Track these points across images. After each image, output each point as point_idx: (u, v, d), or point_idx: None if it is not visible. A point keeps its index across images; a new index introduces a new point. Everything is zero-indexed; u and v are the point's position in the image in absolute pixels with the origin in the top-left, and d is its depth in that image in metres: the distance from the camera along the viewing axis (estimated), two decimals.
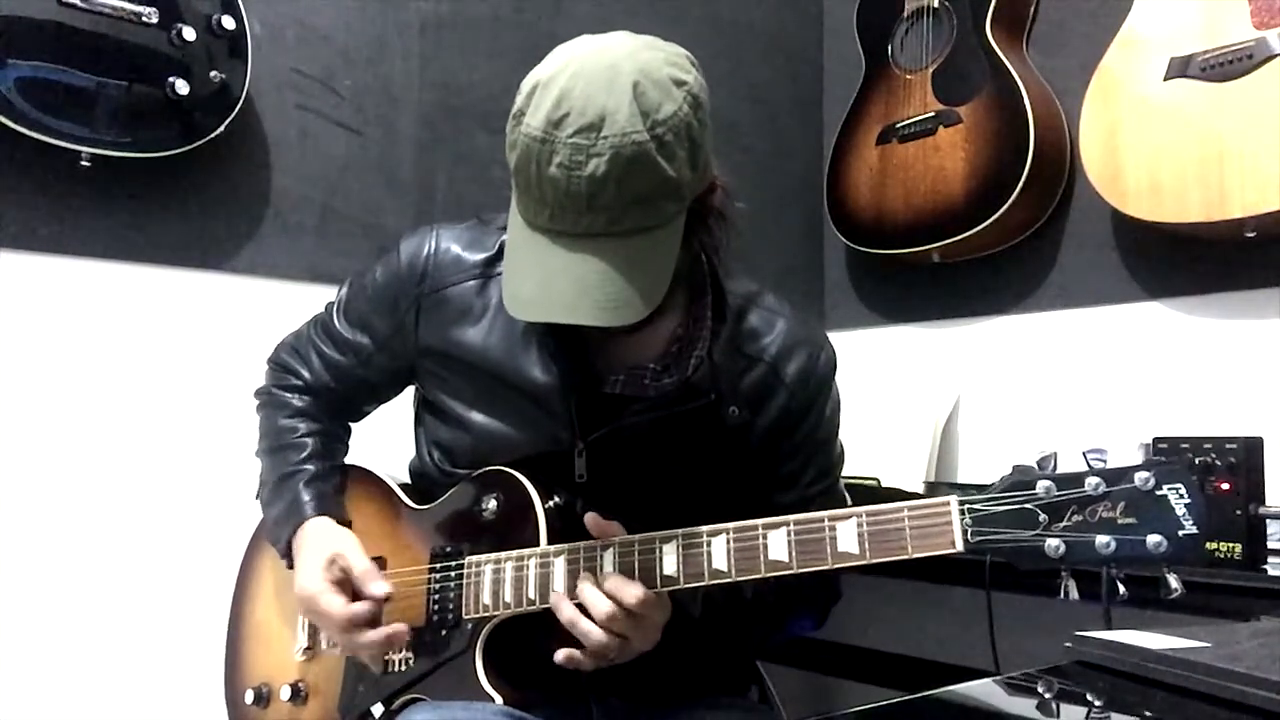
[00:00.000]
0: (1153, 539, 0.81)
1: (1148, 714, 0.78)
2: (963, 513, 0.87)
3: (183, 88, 1.53)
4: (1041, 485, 0.85)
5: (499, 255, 1.12)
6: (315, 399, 1.25)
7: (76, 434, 1.58)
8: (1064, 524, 0.84)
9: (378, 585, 1.08)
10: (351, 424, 1.31)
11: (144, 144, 1.54)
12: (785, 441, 1.14)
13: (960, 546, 0.87)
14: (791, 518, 0.95)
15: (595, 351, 1.10)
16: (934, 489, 2.00)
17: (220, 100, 1.59)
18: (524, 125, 0.91)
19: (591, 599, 0.97)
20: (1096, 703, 0.82)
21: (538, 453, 1.10)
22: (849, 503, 1.23)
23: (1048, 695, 0.84)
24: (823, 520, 0.93)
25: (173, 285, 1.67)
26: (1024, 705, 0.87)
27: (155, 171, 1.61)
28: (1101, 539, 0.83)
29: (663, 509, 1.09)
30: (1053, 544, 0.84)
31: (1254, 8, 1.61)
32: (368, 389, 1.25)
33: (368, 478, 1.24)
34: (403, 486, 1.23)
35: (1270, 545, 1.34)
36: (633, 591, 0.96)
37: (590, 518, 1.00)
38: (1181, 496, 0.82)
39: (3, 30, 1.40)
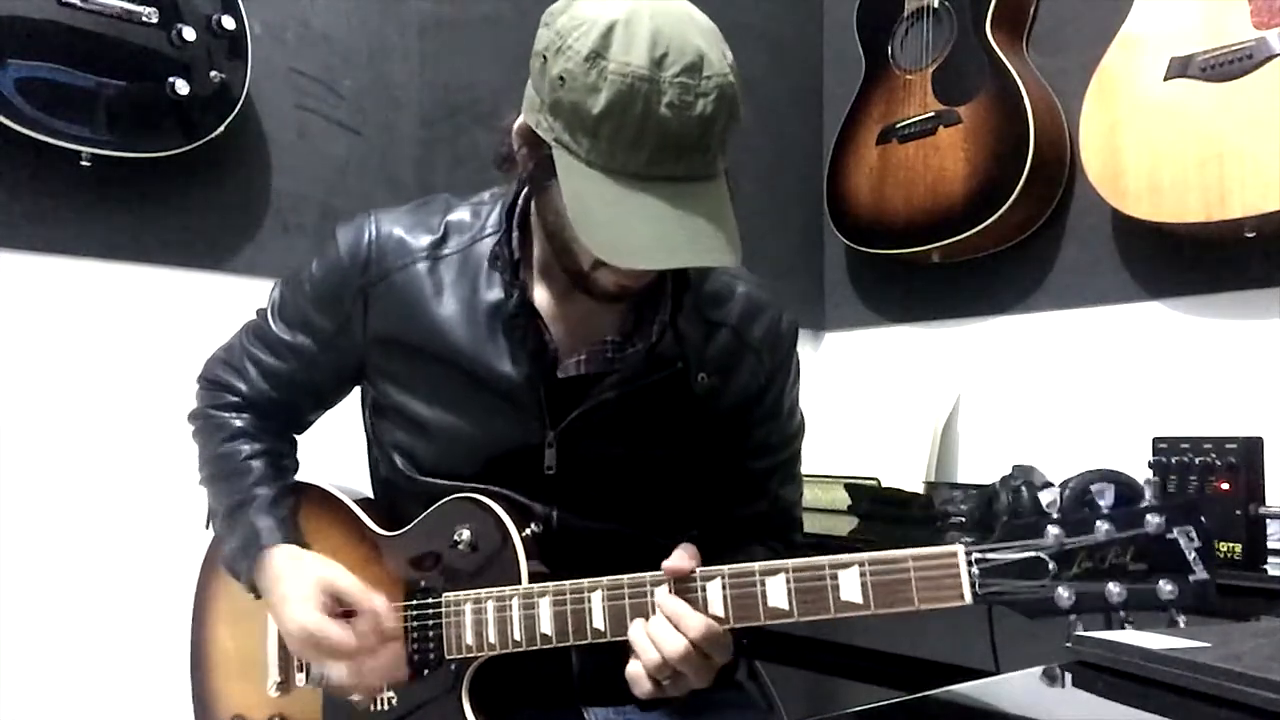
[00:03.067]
0: (1165, 586, 0.80)
1: (1148, 714, 0.78)
2: (970, 563, 0.85)
3: (183, 88, 1.53)
4: (1051, 533, 0.83)
5: (446, 237, 1.09)
6: (255, 414, 1.18)
7: (76, 434, 1.58)
8: (1074, 571, 0.82)
9: (379, 599, 1.03)
10: (296, 436, 1.24)
11: (144, 144, 1.53)
12: (756, 408, 1.14)
13: (969, 599, 0.85)
14: (790, 563, 0.92)
15: (554, 334, 1.06)
16: (934, 489, 2.00)
17: (220, 100, 1.59)
18: (615, 64, 0.85)
19: (661, 634, 0.94)
20: (1096, 703, 0.82)
21: (505, 450, 1.07)
22: (801, 480, 1.24)
23: (1047, 695, 0.84)
24: (824, 567, 0.90)
25: (173, 285, 1.67)
26: (1024, 705, 0.86)
27: (155, 171, 1.61)
28: (1113, 587, 0.81)
29: (632, 495, 1.09)
30: (1063, 594, 0.82)
31: (1254, 8, 1.61)
32: (311, 394, 1.18)
33: (327, 500, 1.17)
34: (364, 504, 1.17)
35: (1270, 545, 1.33)
36: (693, 624, 0.93)
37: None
38: (1192, 540, 0.80)
39: (3, 30, 1.40)
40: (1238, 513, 1.30)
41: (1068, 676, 0.85)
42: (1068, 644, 0.87)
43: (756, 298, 1.15)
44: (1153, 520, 0.81)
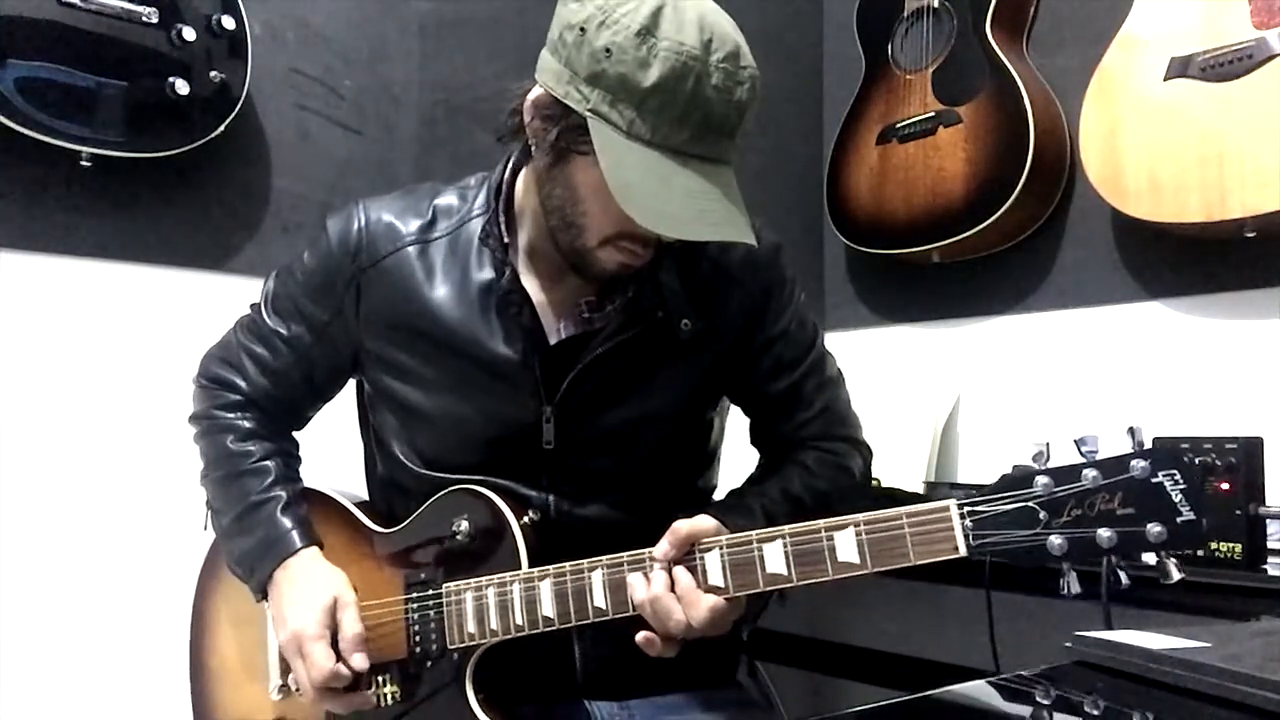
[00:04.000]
0: (1153, 529, 0.81)
1: (1148, 714, 0.78)
2: (963, 516, 0.86)
3: (183, 88, 1.53)
4: (1039, 482, 0.85)
5: (434, 221, 1.11)
6: (259, 413, 1.18)
7: (76, 434, 1.58)
8: (1064, 519, 0.83)
9: (359, 658, 1.04)
10: (295, 433, 1.24)
11: (144, 144, 1.54)
12: (756, 334, 1.13)
13: (963, 550, 0.86)
14: (786, 528, 0.92)
15: (539, 311, 1.08)
16: (934, 489, 2.00)
17: (220, 100, 1.59)
18: (669, 41, 0.88)
19: (664, 611, 0.94)
20: (1096, 703, 0.82)
21: (504, 429, 1.08)
22: (841, 375, 1.23)
23: (1047, 695, 0.84)
24: (819, 530, 0.91)
25: (173, 285, 1.67)
26: (1023, 705, 0.86)
27: (155, 171, 1.61)
28: (1103, 533, 0.82)
29: (630, 464, 1.09)
30: (1055, 541, 0.83)
31: (1254, 8, 1.61)
32: (309, 388, 1.18)
33: (323, 501, 1.18)
34: (360, 505, 1.18)
35: (1270, 545, 1.33)
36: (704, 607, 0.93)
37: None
38: (1177, 483, 0.81)
39: (3, 30, 1.40)
40: (1238, 513, 1.30)
41: (1067, 676, 0.85)
42: (1068, 644, 0.87)
43: None
44: (1138, 465, 0.82)
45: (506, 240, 1.08)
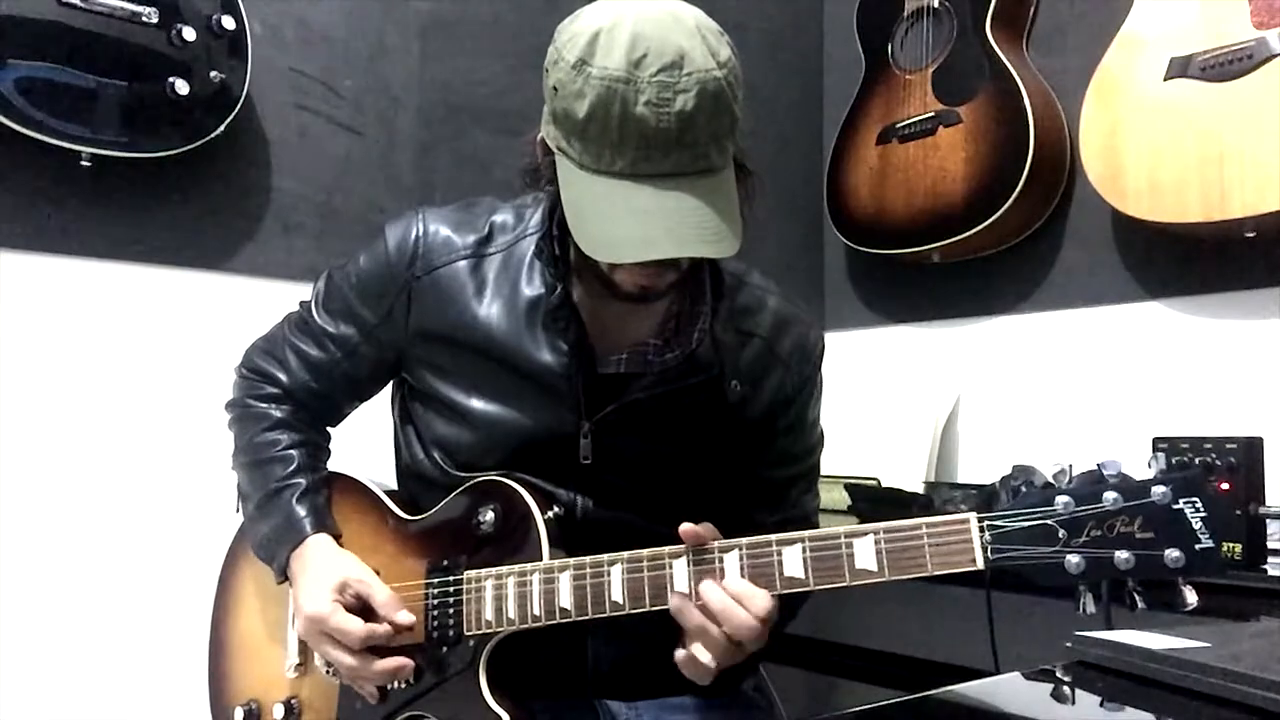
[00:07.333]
0: (1171, 554, 0.82)
1: (1148, 714, 0.78)
2: (982, 530, 0.86)
3: (183, 88, 1.53)
4: (1060, 501, 0.85)
5: (490, 236, 1.13)
6: (293, 406, 1.20)
7: (76, 434, 1.58)
8: (1083, 539, 0.84)
9: (404, 615, 1.05)
10: (330, 429, 1.26)
11: (144, 144, 1.54)
12: (781, 418, 1.16)
13: (980, 564, 0.86)
14: (806, 534, 0.93)
15: (592, 332, 1.09)
16: (934, 489, 2.00)
17: (220, 100, 1.59)
18: (596, 69, 0.90)
19: (722, 606, 0.94)
20: (1097, 703, 0.82)
21: (543, 438, 1.09)
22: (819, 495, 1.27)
23: (1048, 695, 0.84)
24: (839, 536, 0.92)
25: (173, 285, 1.67)
26: (1024, 705, 0.86)
27: (155, 171, 1.61)
28: (1121, 554, 0.83)
29: (664, 488, 1.11)
30: (1073, 560, 0.84)
31: (1254, 8, 1.61)
32: (350, 385, 1.20)
33: (353, 486, 1.20)
34: (389, 494, 1.19)
35: (1270, 545, 1.33)
36: (761, 603, 0.93)
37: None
38: (1198, 510, 0.82)
39: (3, 30, 1.40)
40: (1238, 513, 1.30)
41: (1068, 676, 0.85)
42: (1068, 644, 0.87)
43: (786, 311, 1.18)
44: (1159, 491, 0.83)
45: (559, 256, 1.09)
